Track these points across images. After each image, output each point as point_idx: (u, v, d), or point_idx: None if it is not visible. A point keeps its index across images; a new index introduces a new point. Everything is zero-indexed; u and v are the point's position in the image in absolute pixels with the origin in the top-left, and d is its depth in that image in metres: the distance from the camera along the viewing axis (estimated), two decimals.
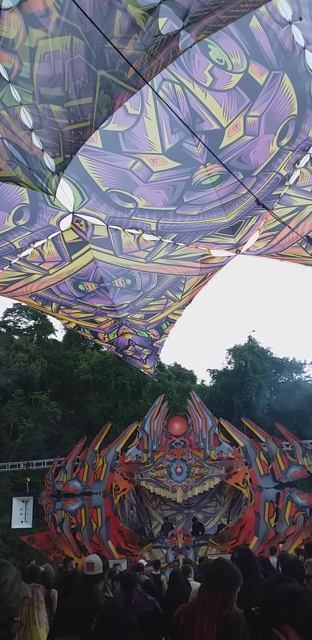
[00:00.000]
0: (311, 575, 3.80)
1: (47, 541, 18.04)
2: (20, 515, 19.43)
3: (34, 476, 23.71)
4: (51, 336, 40.69)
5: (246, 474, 17.48)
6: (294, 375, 38.97)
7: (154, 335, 9.54)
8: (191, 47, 3.76)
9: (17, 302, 30.80)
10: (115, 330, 9.43)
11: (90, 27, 3.37)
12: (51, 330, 40.14)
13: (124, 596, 5.53)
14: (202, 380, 43.83)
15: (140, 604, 5.50)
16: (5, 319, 39.48)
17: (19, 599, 1.48)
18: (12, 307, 38.94)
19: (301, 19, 4.24)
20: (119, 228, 6.68)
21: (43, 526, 19.31)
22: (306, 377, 38.89)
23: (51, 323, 39.53)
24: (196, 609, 3.05)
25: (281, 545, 15.90)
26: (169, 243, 7.05)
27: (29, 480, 21.59)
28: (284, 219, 6.66)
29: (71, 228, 6.69)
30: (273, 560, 9.83)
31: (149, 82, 3.94)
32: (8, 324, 39.61)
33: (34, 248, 6.98)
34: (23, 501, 19.61)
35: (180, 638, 3.07)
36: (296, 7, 4.17)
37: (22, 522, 19.42)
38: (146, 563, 12.53)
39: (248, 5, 3.46)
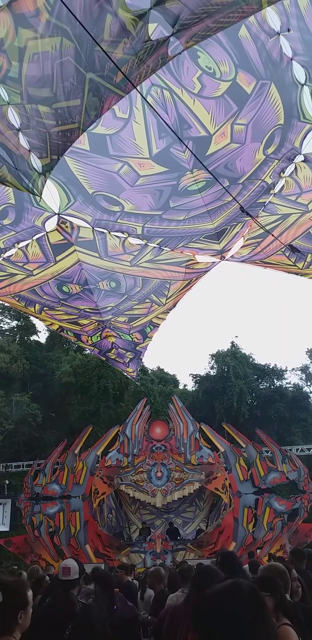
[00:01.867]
0: None
1: (24, 544, 17.86)
2: None
3: (13, 478, 23.48)
4: (34, 337, 40.29)
5: (226, 479, 17.57)
6: (275, 381, 39.28)
7: (137, 339, 9.54)
8: (180, 53, 3.78)
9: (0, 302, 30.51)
10: (99, 333, 9.40)
11: (80, 29, 3.37)
12: (34, 331, 39.75)
13: (105, 598, 5.45)
14: (185, 385, 43.91)
15: (122, 610, 5.45)
16: None
17: None
18: None
19: (289, 30, 4.30)
20: (105, 231, 6.67)
21: (21, 529, 19.12)
22: (286, 383, 39.26)
23: (34, 324, 39.17)
24: (179, 614, 3.04)
25: (258, 550, 16.00)
26: (154, 247, 7.06)
27: (7, 482, 21.39)
28: (268, 227, 6.73)
29: (56, 229, 6.66)
30: (245, 567, 9.83)
31: (138, 87, 3.95)
32: None
33: (19, 248, 6.93)
34: (1, 504, 19.43)
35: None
36: (285, 19, 4.22)
37: None
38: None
39: (237, 15, 3.50)
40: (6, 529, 19.14)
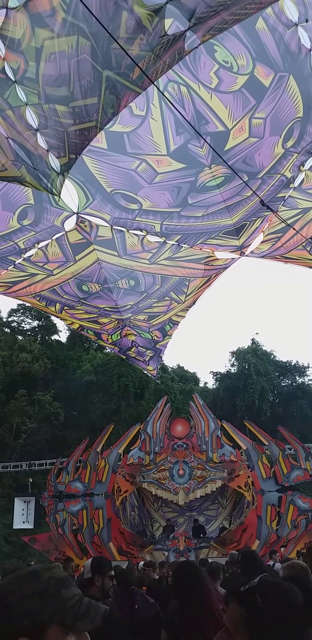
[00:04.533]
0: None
1: (48, 542, 18.03)
2: (22, 516, 19.46)
3: (36, 477, 23.75)
4: (55, 337, 40.74)
5: (248, 477, 17.44)
6: (297, 378, 38.86)
7: (157, 337, 9.53)
8: (197, 47, 3.76)
9: (21, 302, 30.84)
10: (119, 332, 9.43)
11: (96, 27, 3.37)
12: (55, 330, 40.18)
13: (124, 597, 5.39)
14: (205, 383, 43.80)
15: (143, 609, 5.38)
16: (9, 319, 39.56)
17: (33, 618, 1.28)
18: (16, 308, 39.05)
19: (307, 20, 4.23)
20: (124, 229, 6.68)
21: (45, 527, 19.31)
22: (309, 380, 38.79)
23: (55, 324, 39.58)
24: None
25: (282, 549, 15.84)
26: (173, 244, 7.05)
27: (31, 480, 21.62)
28: (288, 222, 6.65)
29: (75, 229, 6.70)
30: (277, 565, 9.76)
31: (155, 83, 3.94)
32: (12, 325, 39.68)
33: (38, 248, 6.99)
34: (25, 502, 19.64)
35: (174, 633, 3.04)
36: (303, 9, 4.16)
37: (23, 522, 19.46)
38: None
39: (254, 7, 3.46)
40: (31, 526, 19.35)
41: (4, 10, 3.39)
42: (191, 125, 4.81)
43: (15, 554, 24.65)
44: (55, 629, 1.31)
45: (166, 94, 4.67)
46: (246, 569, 4.67)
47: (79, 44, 3.56)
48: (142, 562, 11.35)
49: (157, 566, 9.99)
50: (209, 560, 11.01)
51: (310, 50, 4.51)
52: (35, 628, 1.28)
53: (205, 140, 5.07)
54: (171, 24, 3.38)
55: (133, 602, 5.35)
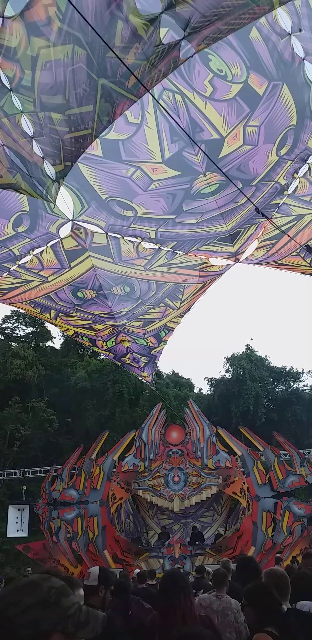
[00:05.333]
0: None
1: (42, 550, 17.91)
2: (16, 524, 19.31)
3: (30, 484, 23.60)
4: (49, 343, 40.58)
5: (244, 483, 17.44)
6: (292, 384, 38.91)
7: (152, 343, 9.54)
8: (192, 57, 3.79)
9: (15, 309, 30.79)
10: (114, 338, 9.42)
11: (92, 36, 3.40)
12: (49, 337, 40.04)
13: (120, 605, 5.39)
14: (200, 389, 43.76)
15: (137, 615, 5.37)
16: (3, 325, 39.37)
17: (36, 628, 1.28)
18: (10, 314, 38.87)
19: (300, 30, 4.28)
20: (119, 236, 6.69)
21: (39, 535, 19.18)
22: (303, 386, 38.86)
23: (49, 330, 39.44)
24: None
25: (278, 555, 15.83)
26: (168, 251, 7.07)
27: (25, 488, 21.49)
28: (283, 228, 6.69)
29: (71, 235, 6.70)
30: None
31: (150, 91, 3.96)
32: (6, 331, 39.50)
33: (33, 255, 6.99)
34: (19, 509, 19.50)
35: None
36: (296, 19, 4.21)
37: (17, 530, 19.30)
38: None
39: (248, 16, 3.49)
40: (25, 534, 19.21)
41: (0, 19, 3.41)
42: (185, 132, 4.84)
43: (9, 562, 24.44)
44: (57, 637, 1.32)
45: (161, 102, 4.70)
46: (243, 575, 4.67)
47: (74, 53, 3.58)
48: (137, 571, 11.29)
49: (148, 578, 9.90)
50: (206, 567, 10.99)
51: (303, 59, 4.57)
52: (38, 638, 1.29)
53: (199, 148, 5.10)
54: (166, 34, 3.42)
55: (127, 608, 5.34)
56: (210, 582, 8.44)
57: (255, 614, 3.30)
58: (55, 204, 5.25)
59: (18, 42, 3.54)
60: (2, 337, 38.89)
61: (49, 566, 16.04)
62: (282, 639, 3.09)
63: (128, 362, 10.33)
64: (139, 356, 10.06)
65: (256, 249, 7.24)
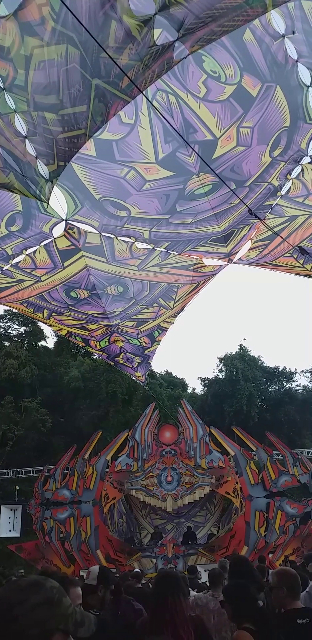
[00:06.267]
0: (275, 587, 3.75)
1: (35, 550, 17.88)
2: (9, 524, 19.26)
3: (23, 484, 23.53)
4: (42, 343, 40.44)
5: (237, 482, 17.49)
6: (285, 384, 39.10)
7: (145, 343, 9.54)
8: (185, 58, 3.80)
9: (8, 308, 30.65)
10: (107, 338, 9.42)
11: (86, 36, 3.40)
12: (42, 337, 39.90)
13: (112, 605, 5.37)
14: (194, 389, 43.84)
15: (127, 615, 5.35)
16: None
17: (42, 627, 1.30)
18: (2, 314, 38.70)
19: (293, 32, 4.30)
20: (112, 236, 6.69)
21: (31, 535, 19.13)
22: (296, 386, 39.06)
23: (42, 330, 39.30)
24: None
25: (270, 555, 15.88)
26: (161, 251, 7.07)
27: (17, 488, 21.44)
28: (275, 229, 6.71)
29: (64, 235, 6.69)
30: None
31: (144, 92, 3.97)
32: None
33: (26, 254, 6.97)
34: (11, 509, 19.45)
35: None
36: (289, 21, 4.22)
37: (10, 530, 19.25)
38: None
39: (242, 18, 3.50)
40: (17, 534, 19.16)
41: None
42: (179, 134, 4.84)
43: (1, 562, 24.34)
44: (59, 636, 1.35)
45: (154, 102, 4.70)
46: (235, 574, 4.67)
47: (68, 53, 3.57)
48: (136, 570, 11.28)
49: (141, 577, 9.89)
50: (198, 568, 11.00)
51: (297, 61, 4.58)
52: (43, 637, 1.31)
53: (193, 150, 5.11)
54: (160, 35, 3.42)
55: (116, 609, 5.33)
56: (199, 581, 8.47)
57: (231, 610, 3.41)
58: (48, 204, 5.24)
59: (11, 41, 3.53)
60: None
61: (44, 565, 16.01)
62: (259, 632, 3.16)
63: (121, 362, 10.33)
64: (133, 356, 10.06)
65: (249, 249, 7.26)
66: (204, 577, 10.83)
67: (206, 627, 3.45)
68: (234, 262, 7.35)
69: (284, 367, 39.41)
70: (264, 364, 39.28)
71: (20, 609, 1.31)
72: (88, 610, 3.57)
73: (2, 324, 39.17)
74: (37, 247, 6.86)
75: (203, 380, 39.89)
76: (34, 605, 1.32)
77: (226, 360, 38.26)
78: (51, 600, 1.36)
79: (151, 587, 3.39)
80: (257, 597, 3.48)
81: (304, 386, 39.04)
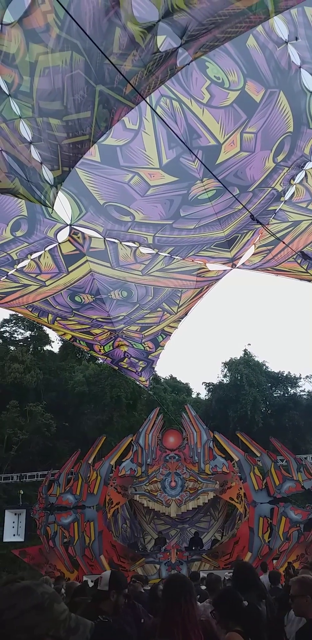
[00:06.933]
0: (296, 595, 3.71)
1: (39, 555, 17.85)
2: (13, 529, 19.27)
3: (27, 489, 23.55)
4: (47, 347, 40.62)
5: (240, 488, 17.40)
6: (289, 389, 38.97)
7: (149, 348, 9.55)
8: (189, 64, 3.83)
9: (13, 312, 30.79)
10: (111, 342, 9.44)
11: (90, 43, 3.43)
12: (47, 341, 40.06)
13: (129, 612, 5.22)
14: (198, 394, 43.82)
15: (148, 623, 5.18)
16: (1, 329, 39.38)
17: (31, 633, 1.30)
18: (8, 318, 38.93)
19: (296, 38, 4.32)
20: (116, 241, 6.72)
21: (35, 540, 19.11)
22: (301, 391, 38.93)
23: (47, 334, 39.47)
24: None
25: (274, 561, 15.79)
26: (165, 256, 7.09)
27: (22, 492, 21.45)
28: (279, 234, 6.72)
29: (68, 240, 6.72)
30: (265, 578, 9.70)
31: (147, 99, 4.00)
32: (4, 335, 39.50)
33: (31, 259, 7.01)
34: (15, 514, 19.46)
35: None
36: (292, 27, 4.25)
37: (14, 535, 19.26)
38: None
39: (245, 25, 3.53)
40: (21, 539, 19.15)
41: None
42: (182, 141, 4.87)
43: (5, 567, 24.34)
44: None
45: (158, 108, 4.74)
46: (240, 581, 4.64)
47: (72, 60, 3.61)
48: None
49: (145, 580, 9.87)
50: (201, 574, 10.95)
51: (300, 67, 4.60)
52: None
53: (196, 156, 5.14)
54: (163, 41, 3.45)
55: (138, 617, 5.22)
56: (202, 587, 8.43)
57: (218, 614, 3.45)
58: (53, 209, 5.28)
59: (17, 48, 3.57)
60: (1, 341, 38.90)
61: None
62: (248, 633, 3.21)
63: (125, 366, 10.34)
64: (137, 361, 10.08)
65: (253, 254, 7.27)
66: None
67: (215, 632, 3.47)
68: (237, 267, 7.37)
69: (289, 372, 39.36)
70: (269, 369, 39.21)
71: (9, 614, 1.31)
72: (101, 617, 3.55)
73: (7, 329, 39.38)
74: (42, 252, 6.90)
75: (207, 385, 39.87)
76: (23, 610, 1.32)
77: (231, 365, 38.21)
78: (41, 606, 1.35)
79: (162, 590, 3.40)
80: (243, 600, 3.49)
81: (308, 391, 38.96)
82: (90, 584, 6.30)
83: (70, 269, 7.32)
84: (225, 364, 39.04)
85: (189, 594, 3.01)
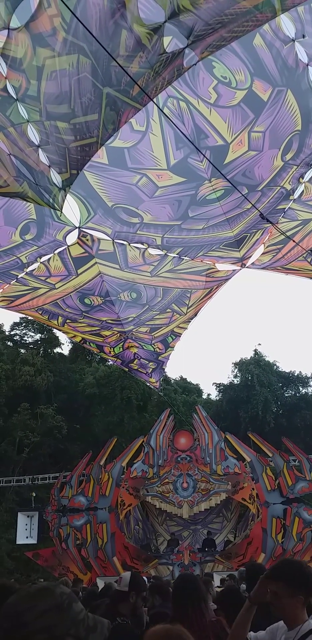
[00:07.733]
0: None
1: (52, 557, 17.93)
2: (25, 531, 19.34)
3: (40, 491, 23.65)
4: (57, 350, 40.71)
5: (253, 489, 17.34)
6: (301, 389, 38.70)
7: (159, 349, 9.55)
8: (196, 64, 3.82)
9: (23, 316, 30.93)
10: (121, 344, 9.44)
11: (97, 45, 3.44)
12: (57, 343, 40.16)
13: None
14: (208, 394, 43.61)
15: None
16: (12, 332, 39.58)
17: (52, 633, 1.31)
18: (18, 321, 39.07)
19: (303, 36, 4.30)
20: (125, 242, 6.73)
21: (48, 542, 19.20)
22: None
23: (57, 337, 39.55)
24: None
25: None
26: (174, 257, 7.09)
27: (34, 495, 21.54)
28: (288, 233, 6.68)
29: (77, 243, 6.75)
30: None
31: (154, 100, 4.00)
32: (14, 338, 39.70)
33: (41, 262, 7.04)
34: (28, 516, 19.53)
35: None
36: (299, 25, 4.23)
37: (27, 537, 19.33)
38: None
39: (252, 24, 3.51)
40: (34, 541, 19.23)
41: (6, 30, 3.46)
42: (190, 141, 4.87)
43: (18, 569, 24.46)
44: None
45: (165, 109, 4.74)
46: (252, 582, 4.63)
47: (79, 63, 3.62)
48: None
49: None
50: (214, 575, 10.93)
51: (307, 65, 4.58)
52: None
53: (204, 156, 5.13)
54: (170, 42, 3.45)
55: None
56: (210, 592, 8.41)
57: (224, 616, 3.43)
58: (61, 212, 5.29)
59: (24, 52, 3.59)
60: (11, 344, 39.08)
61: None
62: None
63: (136, 368, 10.34)
64: (147, 362, 10.07)
65: (262, 254, 7.24)
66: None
67: (227, 631, 3.46)
68: (247, 267, 7.34)
69: (300, 371, 39.04)
70: (280, 369, 38.95)
71: (29, 615, 1.32)
72: (120, 619, 3.54)
73: (18, 332, 39.56)
74: (51, 254, 6.93)
75: (218, 385, 39.71)
76: (42, 611, 1.33)
77: (241, 365, 38.04)
78: (60, 606, 1.37)
79: (171, 592, 3.39)
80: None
81: None
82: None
83: (79, 271, 7.34)
84: (235, 364, 38.88)
85: (193, 596, 2.99)
